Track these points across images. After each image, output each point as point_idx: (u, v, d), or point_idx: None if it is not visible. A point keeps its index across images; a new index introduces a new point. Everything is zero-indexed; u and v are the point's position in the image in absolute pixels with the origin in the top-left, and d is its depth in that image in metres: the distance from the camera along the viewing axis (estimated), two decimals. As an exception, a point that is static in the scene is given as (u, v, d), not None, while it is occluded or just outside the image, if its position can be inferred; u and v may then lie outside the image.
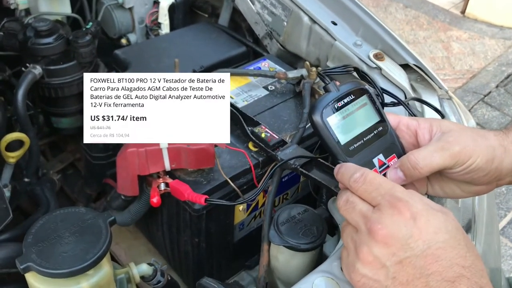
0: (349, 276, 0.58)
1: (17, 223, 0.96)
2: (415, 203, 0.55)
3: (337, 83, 0.68)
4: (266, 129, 0.93)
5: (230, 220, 0.94)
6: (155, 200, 0.84)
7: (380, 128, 0.69)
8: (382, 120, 0.70)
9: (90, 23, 1.19)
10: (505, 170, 0.65)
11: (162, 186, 0.85)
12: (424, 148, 0.65)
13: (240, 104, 1.04)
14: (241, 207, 0.94)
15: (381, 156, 0.69)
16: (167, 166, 0.85)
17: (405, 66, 1.05)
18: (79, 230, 0.69)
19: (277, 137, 0.92)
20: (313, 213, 0.83)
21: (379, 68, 1.03)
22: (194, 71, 1.16)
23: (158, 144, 0.83)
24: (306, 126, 0.95)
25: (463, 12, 3.85)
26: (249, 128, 0.94)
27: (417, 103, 0.98)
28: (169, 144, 0.83)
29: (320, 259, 0.86)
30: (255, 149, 0.93)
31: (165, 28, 1.39)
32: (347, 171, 0.61)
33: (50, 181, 1.21)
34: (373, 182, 0.58)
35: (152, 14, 1.38)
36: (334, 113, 0.67)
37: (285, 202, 1.05)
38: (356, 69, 0.85)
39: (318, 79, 1.03)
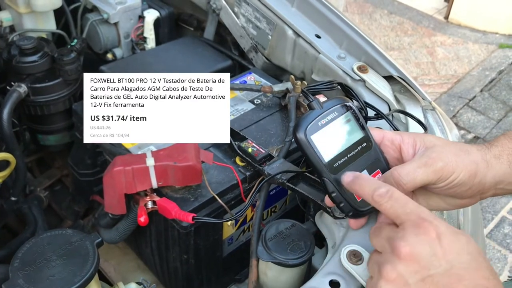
0: None
1: (4, 242, 0.95)
2: (440, 224, 0.56)
3: (322, 97, 0.69)
4: (253, 144, 0.94)
5: (219, 235, 0.94)
6: (143, 219, 0.83)
7: (364, 144, 0.70)
8: (366, 136, 0.70)
9: (75, 40, 1.19)
10: (488, 184, 0.66)
11: (149, 204, 0.85)
12: (407, 164, 0.65)
13: (226, 119, 1.04)
14: (229, 222, 0.94)
15: (365, 172, 0.69)
16: (154, 184, 0.85)
17: (389, 78, 1.07)
18: (66, 252, 0.69)
19: (263, 151, 0.92)
20: (301, 227, 0.83)
21: (363, 81, 1.04)
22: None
23: (144, 163, 0.83)
24: (292, 140, 0.96)
25: (446, 17, 3.91)
26: (236, 143, 0.94)
27: (401, 115, 0.99)
28: (155, 162, 0.83)
29: (308, 272, 0.86)
30: (242, 164, 0.94)
31: (150, 42, 1.39)
32: (369, 184, 0.61)
33: (37, 199, 1.20)
34: (400, 200, 0.58)
35: (138, 28, 1.38)
36: (318, 130, 0.67)
37: (273, 215, 1.05)
38: (340, 84, 0.86)
39: (303, 92, 1.04)
